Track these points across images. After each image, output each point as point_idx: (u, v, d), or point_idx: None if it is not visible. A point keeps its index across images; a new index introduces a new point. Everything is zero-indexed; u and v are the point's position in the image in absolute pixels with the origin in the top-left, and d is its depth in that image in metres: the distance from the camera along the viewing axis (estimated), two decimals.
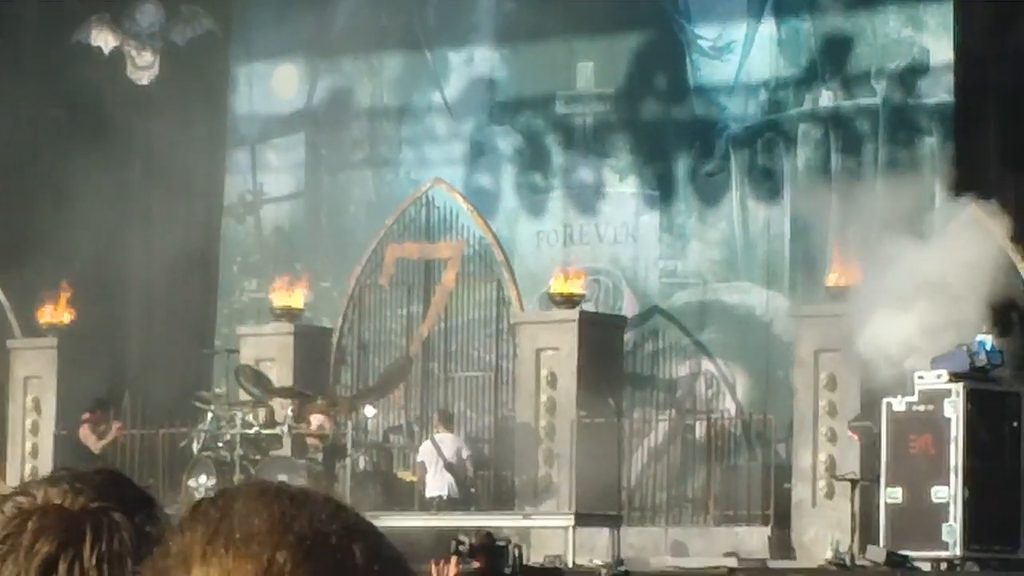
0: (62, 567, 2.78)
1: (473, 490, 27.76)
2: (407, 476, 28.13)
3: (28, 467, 28.18)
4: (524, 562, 21.37)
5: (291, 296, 29.36)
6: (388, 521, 23.34)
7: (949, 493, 21.78)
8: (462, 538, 19.36)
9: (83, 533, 2.83)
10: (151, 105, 31.53)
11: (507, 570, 19.98)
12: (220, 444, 27.50)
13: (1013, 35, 27.66)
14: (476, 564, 18.89)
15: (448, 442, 27.40)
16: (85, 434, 28.21)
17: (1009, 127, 27.52)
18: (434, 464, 27.12)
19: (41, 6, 30.41)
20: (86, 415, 28.22)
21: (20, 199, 29.70)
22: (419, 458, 27.61)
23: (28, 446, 29.53)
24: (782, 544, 25.65)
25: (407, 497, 27.36)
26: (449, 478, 27.08)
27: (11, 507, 2.86)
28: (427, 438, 27.89)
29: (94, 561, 2.79)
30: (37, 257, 30.03)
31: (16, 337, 30.19)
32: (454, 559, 17.97)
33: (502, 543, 20.13)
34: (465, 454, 27.62)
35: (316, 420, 27.27)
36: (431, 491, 26.97)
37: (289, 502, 2.42)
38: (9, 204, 29.67)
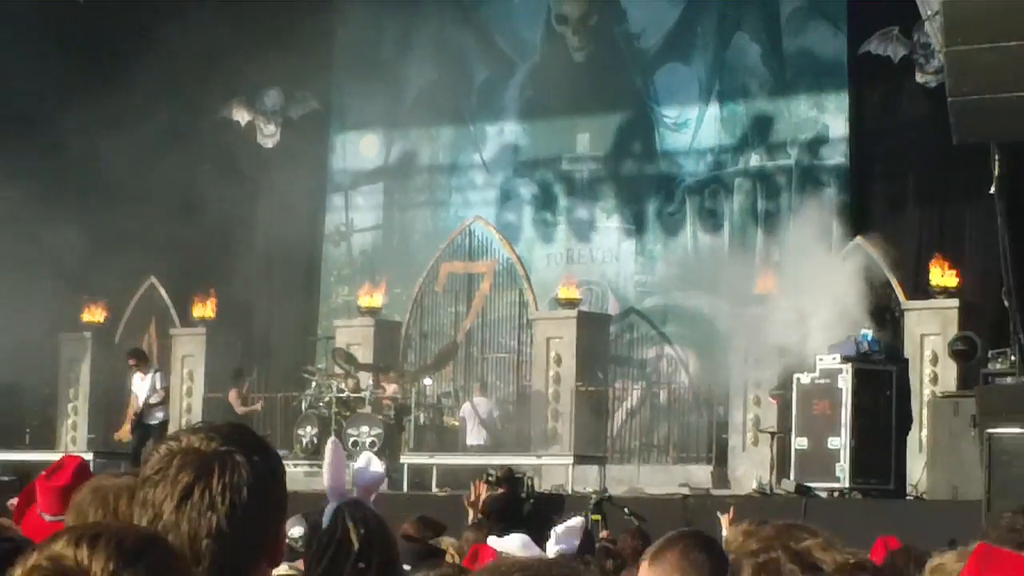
0: (196, 492, 3.29)
1: (500, 438, 27.54)
2: (452, 423, 27.94)
3: (183, 421, 27.38)
4: (536, 489, 22.09)
5: (372, 299, 29.35)
6: (440, 460, 25.70)
7: (840, 442, 21.83)
8: (491, 472, 20.47)
9: (212, 469, 3.32)
10: (273, 162, 31.86)
11: (523, 494, 20.88)
12: (321, 404, 27.61)
13: (891, 115, 27.47)
14: (501, 490, 19.63)
15: (483, 404, 27.68)
16: (232, 399, 28.28)
17: (887, 183, 27.65)
18: (473, 420, 27.36)
19: (198, 91, 30.22)
20: (234, 389, 28.38)
21: (182, 228, 29.14)
22: (461, 415, 27.70)
23: (183, 406, 29.24)
24: (721, 478, 25.78)
25: (453, 443, 27.17)
26: (483, 431, 27.30)
27: (164, 448, 3.39)
28: (467, 401, 27.92)
29: (219, 489, 3.28)
30: (192, 269, 30.43)
31: (176, 327, 30.33)
32: (484, 485, 17.46)
33: (520, 475, 21.31)
34: (496, 413, 27.96)
35: (389, 387, 27.54)
36: (470, 440, 27.15)
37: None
38: (173, 231, 29.33)
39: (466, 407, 27.92)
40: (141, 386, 26.77)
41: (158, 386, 26.77)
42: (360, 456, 5.80)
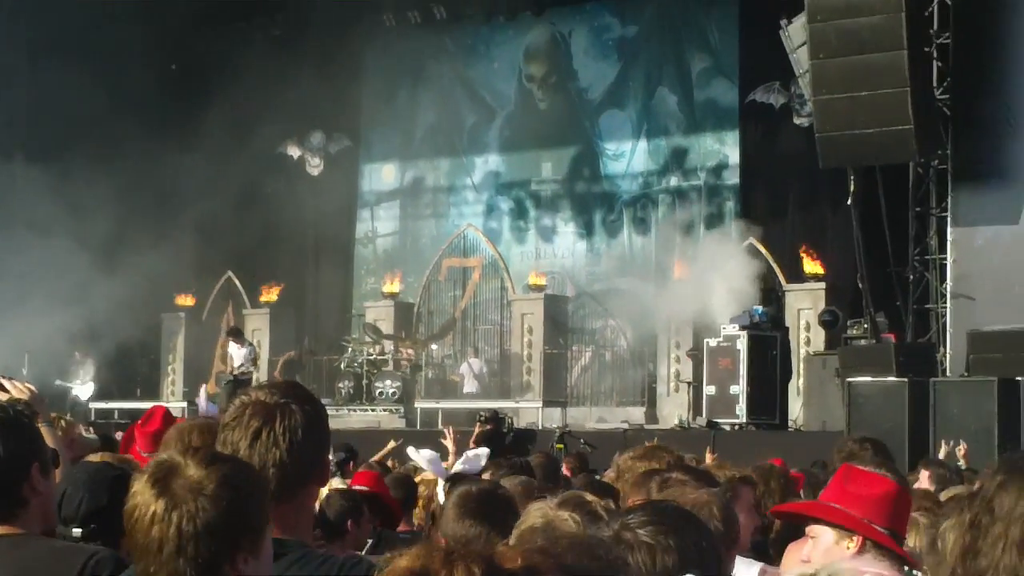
0: (263, 434, 3.28)
1: (487, 388, 27.48)
2: (453, 377, 28.04)
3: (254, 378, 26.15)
4: (514, 425, 21.80)
5: (392, 286, 29.27)
6: (444, 405, 25.53)
7: (739, 389, 21.72)
8: (481, 413, 20.09)
9: (274, 416, 3.29)
10: (318, 186, 31.30)
11: (504, 429, 20.36)
12: (355, 364, 27.32)
13: (773, 147, 26.93)
14: (489, 426, 19.07)
15: (476, 363, 27.66)
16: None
17: (771, 197, 27.03)
18: (469, 375, 27.36)
19: (260, 131, 29.13)
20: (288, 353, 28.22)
21: (251, 235, 28.86)
22: (460, 371, 27.75)
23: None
24: (651, 417, 25.46)
25: (453, 392, 27.29)
26: (476, 383, 27.22)
27: (238, 401, 3.38)
28: (465, 361, 27.97)
29: (280, 431, 3.28)
30: (258, 266, 30.34)
31: (247, 308, 29.94)
32: (478, 424, 18.71)
33: (502, 416, 20.94)
34: (485, 370, 27.83)
35: (406, 352, 27.50)
36: (466, 389, 27.11)
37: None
38: (244, 237, 28.78)
39: (464, 366, 27.84)
40: (238, 354, 26.36)
41: (252, 356, 26.46)
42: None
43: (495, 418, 19.91)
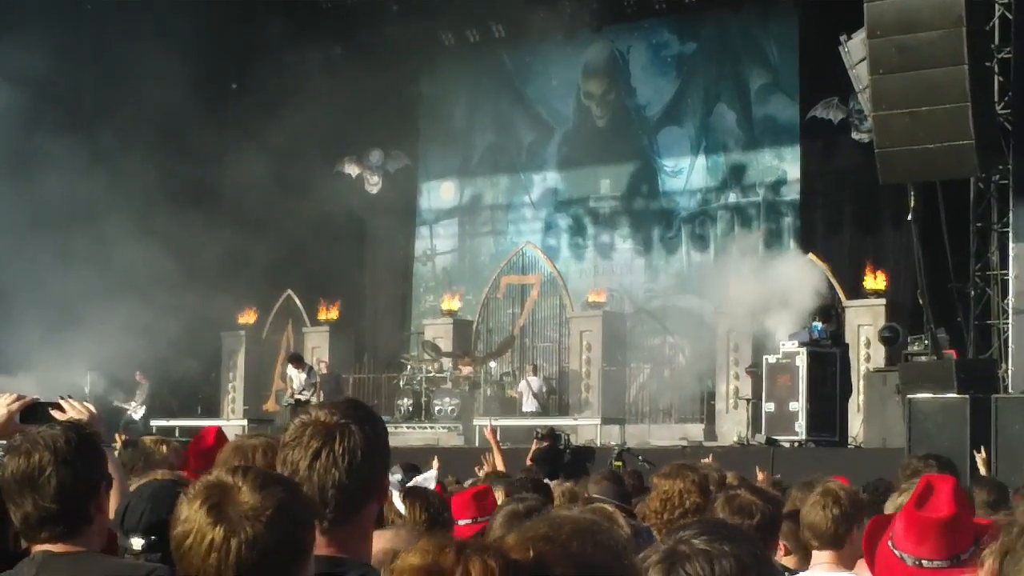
0: (323, 454, 3.27)
1: (546, 406, 27.12)
2: (513, 394, 27.67)
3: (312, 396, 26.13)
4: (572, 443, 21.52)
5: (451, 303, 29.35)
6: (502, 422, 24.19)
7: (798, 406, 21.54)
8: (538, 430, 20.04)
9: (335, 436, 3.28)
10: (377, 204, 31.58)
11: (561, 446, 20.22)
12: (414, 382, 27.54)
13: (832, 163, 26.94)
14: (545, 443, 19.04)
15: (535, 381, 27.20)
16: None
17: (830, 213, 27.08)
18: (527, 393, 27.04)
19: (317, 150, 29.92)
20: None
21: (310, 254, 29.39)
22: (519, 389, 27.42)
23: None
24: (710, 433, 25.34)
25: (512, 409, 27.03)
26: (535, 400, 26.90)
27: (298, 421, 3.37)
28: (523, 379, 27.51)
29: (340, 451, 3.27)
30: (318, 284, 30.32)
31: (307, 326, 30.18)
32: (535, 441, 18.82)
33: (559, 433, 20.77)
34: (544, 388, 27.38)
35: (464, 369, 27.39)
36: (525, 407, 26.88)
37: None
38: (304, 256, 29.43)
39: (522, 383, 27.63)
40: (298, 378, 26.55)
41: (313, 380, 26.53)
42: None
43: (552, 435, 19.78)
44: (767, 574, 2.69)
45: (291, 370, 27.04)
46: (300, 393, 26.18)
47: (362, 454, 3.30)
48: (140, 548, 4.24)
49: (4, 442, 4.21)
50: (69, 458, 3.88)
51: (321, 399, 25.41)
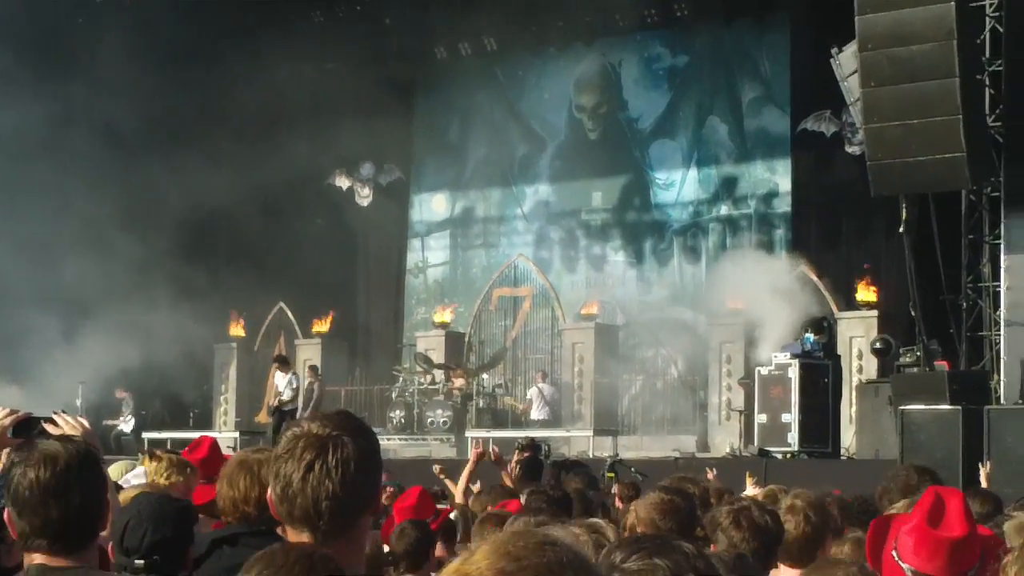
0: (316, 467, 3.26)
1: (559, 414, 26.89)
2: (516, 406, 27.69)
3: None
4: (551, 453, 20.83)
5: (443, 316, 29.26)
6: (494, 434, 24.24)
7: (791, 417, 21.55)
8: (520, 441, 19.31)
9: (327, 448, 3.27)
10: (368, 217, 31.62)
11: (542, 456, 19.55)
12: (406, 394, 27.46)
13: (825, 175, 27.01)
14: (527, 454, 18.22)
15: (547, 390, 27.08)
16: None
17: (822, 225, 27.27)
18: (539, 400, 26.80)
19: (308, 163, 28.95)
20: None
21: (301, 266, 29.28)
22: (528, 396, 27.28)
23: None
24: (703, 445, 25.27)
25: (503, 421, 26.91)
26: (547, 409, 26.74)
27: (290, 433, 3.33)
28: (533, 386, 27.37)
29: (333, 464, 3.26)
30: (310, 296, 30.03)
31: (299, 338, 29.99)
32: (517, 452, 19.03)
33: (539, 443, 20.33)
34: (557, 396, 27.20)
35: (457, 381, 27.24)
36: (535, 415, 26.64)
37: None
38: (295, 269, 29.35)
39: (533, 390, 27.49)
40: (282, 382, 26.48)
41: (294, 385, 26.33)
42: None
43: (532, 446, 19.14)
44: (707, 571, 2.65)
45: (277, 375, 26.98)
46: (281, 394, 26.13)
47: (355, 466, 3.27)
48: (141, 567, 4.18)
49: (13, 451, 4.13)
50: (87, 472, 3.89)
51: (301, 404, 25.78)
